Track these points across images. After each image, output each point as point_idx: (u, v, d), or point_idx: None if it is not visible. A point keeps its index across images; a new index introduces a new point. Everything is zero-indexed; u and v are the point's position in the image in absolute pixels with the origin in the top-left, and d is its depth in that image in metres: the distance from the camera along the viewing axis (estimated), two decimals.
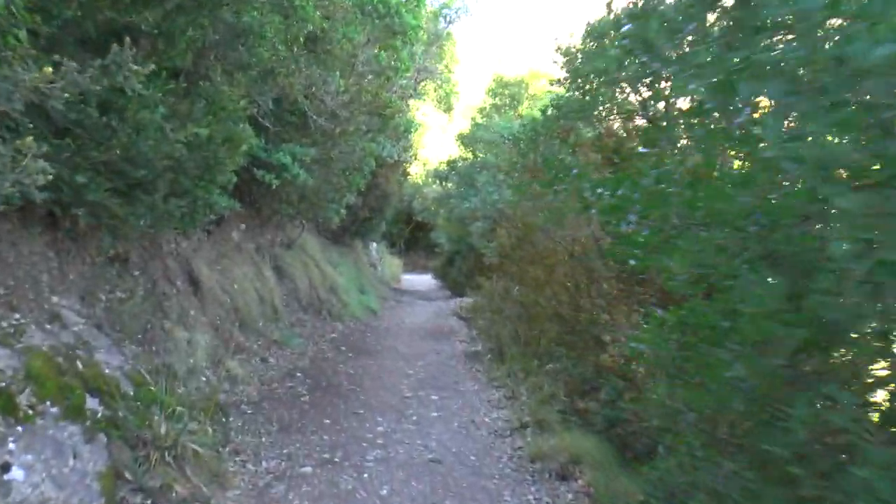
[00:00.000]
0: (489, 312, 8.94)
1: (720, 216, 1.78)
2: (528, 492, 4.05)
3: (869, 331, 1.48)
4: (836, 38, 1.17)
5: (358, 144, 8.20)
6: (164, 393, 3.80)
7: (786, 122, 1.27)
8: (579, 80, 6.90)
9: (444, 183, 20.63)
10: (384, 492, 3.85)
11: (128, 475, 3.11)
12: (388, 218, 17.27)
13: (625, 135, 6.84)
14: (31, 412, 2.76)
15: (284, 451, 4.37)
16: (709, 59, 1.28)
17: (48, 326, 3.38)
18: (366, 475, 4.07)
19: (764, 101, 1.76)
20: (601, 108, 6.91)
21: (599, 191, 2.10)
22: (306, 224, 10.33)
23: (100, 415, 3.17)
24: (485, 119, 19.70)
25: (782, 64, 1.20)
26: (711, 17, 1.53)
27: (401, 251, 27.05)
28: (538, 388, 6.03)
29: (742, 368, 1.62)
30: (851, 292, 1.26)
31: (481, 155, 17.17)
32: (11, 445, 2.56)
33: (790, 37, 1.30)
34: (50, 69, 2.31)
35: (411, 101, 15.39)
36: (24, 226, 3.58)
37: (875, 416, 1.58)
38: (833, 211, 1.34)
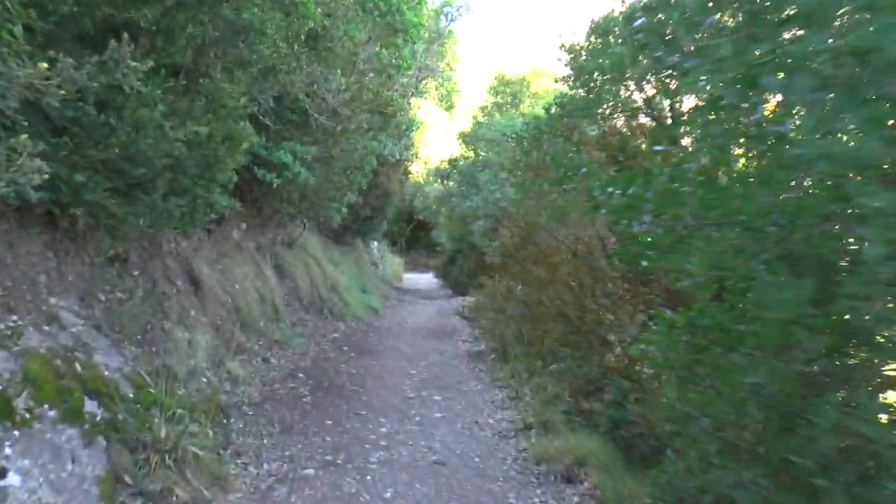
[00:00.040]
0: (492, 312, 8.89)
1: (737, 216, 1.72)
2: (534, 494, 4.00)
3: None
4: (867, 30, 1.11)
5: (359, 143, 8.15)
6: (165, 395, 3.75)
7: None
8: (584, 77, 6.83)
9: (445, 181, 20.56)
10: (388, 494, 3.80)
11: (127, 479, 3.06)
12: (389, 217, 17.23)
13: (629, 133, 6.79)
14: (28, 416, 2.70)
15: (286, 452, 4.32)
16: (729, 52, 1.22)
17: (46, 328, 3.33)
18: (369, 477, 4.02)
19: (776, 98, 1.70)
20: (605, 105, 6.84)
21: (610, 190, 2.04)
22: (307, 223, 10.28)
23: (99, 418, 3.12)
24: (486, 117, 19.64)
25: (807, 58, 1.14)
26: (728, 11, 1.48)
27: (402, 250, 27.01)
28: (542, 389, 5.98)
29: (762, 374, 1.56)
30: (880, 295, 1.20)
31: (483, 153, 17.10)
32: (8, 450, 2.51)
33: (814, 29, 1.24)
34: (45, 65, 2.26)
35: (413, 100, 15.33)
36: (22, 226, 3.53)
37: None
38: (859, 211, 1.28)
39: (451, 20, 17.14)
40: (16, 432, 2.60)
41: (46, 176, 2.42)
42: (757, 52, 1.20)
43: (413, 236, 27.69)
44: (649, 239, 2.12)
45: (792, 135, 1.31)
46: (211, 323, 5.75)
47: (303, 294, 9.36)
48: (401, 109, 10.85)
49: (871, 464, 1.35)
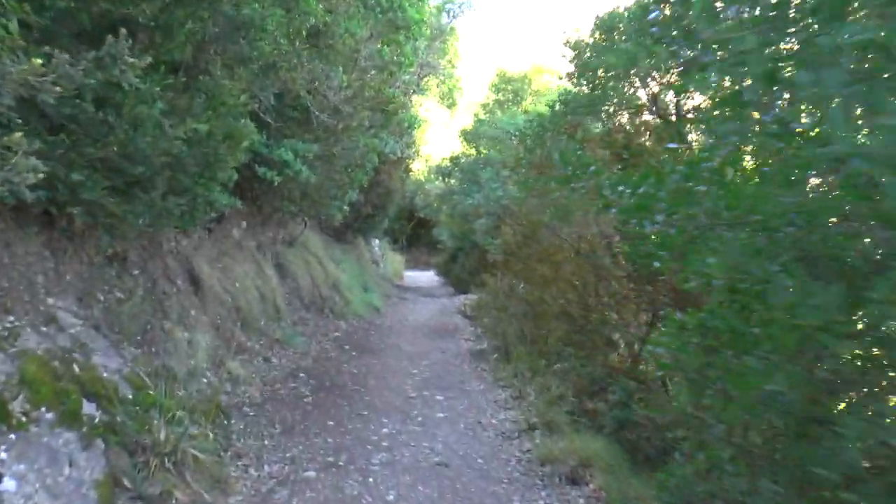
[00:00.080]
0: (494, 310, 8.83)
1: (752, 216, 1.66)
2: (539, 497, 3.95)
3: None
4: None
5: (360, 140, 8.08)
6: (164, 396, 3.70)
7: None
8: (588, 74, 6.76)
9: (446, 179, 20.50)
10: (391, 497, 3.75)
11: (126, 483, 3.01)
12: (390, 214, 17.17)
13: (633, 131, 6.71)
14: (24, 419, 2.65)
15: (287, 454, 4.27)
16: (754, 44, 1.16)
17: (44, 329, 3.27)
18: (371, 479, 3.97)
19: (797, 94, 1.63)
20: (610, 102, 6.77)
21: (620, 189, 1.98)
22: (308, 221, 10.23)
23: (97, 420, 3.07)
24: (488, 115, 19.57)
25: (839, 51, 1.08)
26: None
27: (403, 248, 26.95)
28: (546, 389, 5.93)
29: (780, 380, 1.50)
30: None
31: (484, 151, 17.04)
32: (3, 454, 2.46)
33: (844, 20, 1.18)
34: (39, 61, 2.20)
35: (414, 97, 15.25)
36: (19, 225, 3.47)
37: None
38: (889, 212, 1.22)
39: (453, 17, 17.05)
40: (12, 436, 2.55)
41: (42, 175, 2.37)
42: (783, 46, 1.15)
43: (414, 234, 27.63)
44: (660, 239, 2.06)
45: (816, 131, 1.25)
46: (211, 322, 5.70)
47: (304, 293, 9.31)
48: (402, 107, 10.79)
49: None
